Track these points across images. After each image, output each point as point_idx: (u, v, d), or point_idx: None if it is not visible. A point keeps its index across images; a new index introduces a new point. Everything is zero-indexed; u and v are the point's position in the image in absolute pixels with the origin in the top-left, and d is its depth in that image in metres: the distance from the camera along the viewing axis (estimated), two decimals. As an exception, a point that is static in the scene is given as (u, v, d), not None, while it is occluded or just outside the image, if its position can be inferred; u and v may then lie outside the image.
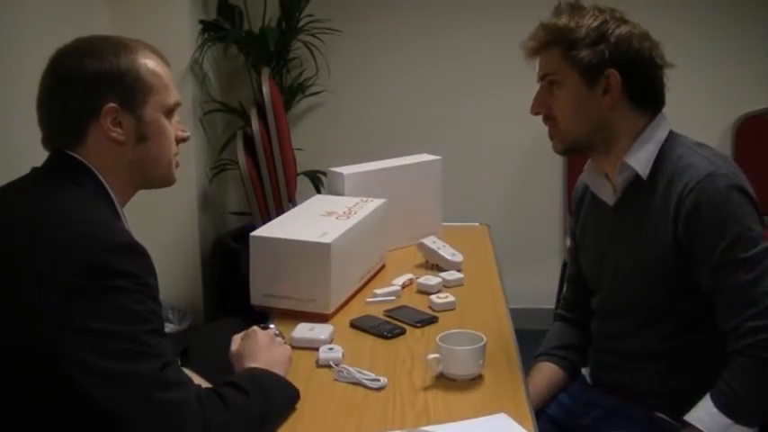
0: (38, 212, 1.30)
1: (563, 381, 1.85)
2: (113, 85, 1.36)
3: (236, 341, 1.58)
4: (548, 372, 1.85)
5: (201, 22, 3.38)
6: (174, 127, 1.45)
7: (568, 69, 1.62)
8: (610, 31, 1.59)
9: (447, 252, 2.18)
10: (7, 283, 1.24)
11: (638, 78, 1.61)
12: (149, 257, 1.29)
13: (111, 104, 1.35)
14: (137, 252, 1.27)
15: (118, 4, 3.06)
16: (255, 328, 1.60)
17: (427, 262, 2.22)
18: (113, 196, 1.38)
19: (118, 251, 1.24)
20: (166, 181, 1.48)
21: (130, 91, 1.37)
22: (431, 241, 2.21)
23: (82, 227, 1.26)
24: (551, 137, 1.69)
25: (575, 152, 1.72)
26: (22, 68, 2.30)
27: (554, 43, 1.63)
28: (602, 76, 1.60)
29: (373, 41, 3.71)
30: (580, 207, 1.85)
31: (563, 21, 1.62)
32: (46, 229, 1.26)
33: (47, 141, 1.40)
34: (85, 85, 1.35)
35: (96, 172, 1.37)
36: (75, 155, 1.36)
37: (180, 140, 1.47)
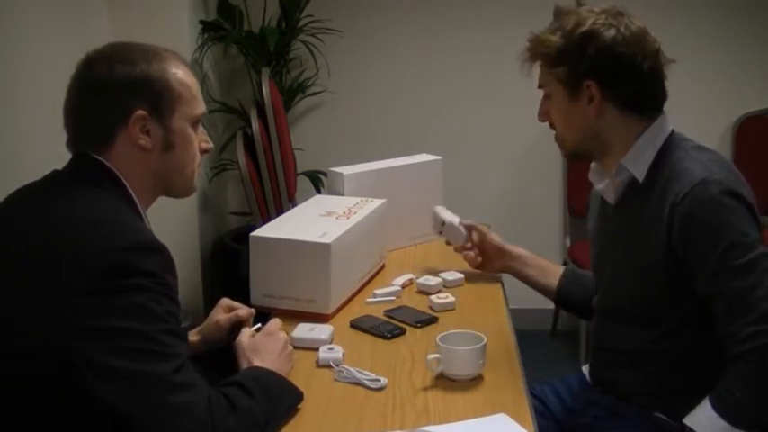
0: (58, 213, 1.30)
1: (550, 279, 2.00)
2: (143, 91, 1.36)
3: (247, 333, 1.58)
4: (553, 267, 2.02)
5: (201, 22, 3.38)
6: (199, 137, 1.47)
7: (553, 82, 1.64)
8: (592, 41, 1.57)
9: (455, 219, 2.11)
10: (25, 284, 1.24)
11: (623, 86, 1.60)
12: (170, 256, 1.30)
13: (141, 112, 1.35)
14: (157, 250, 1.28)
15: (118, 4, 3.05)
16: (274, 328, 1.60)
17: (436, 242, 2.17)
18: (136, 200, 1.39)
19: (137, 250, 1.25)
20: (187, 191, 1.49)
21: (160, 99, 1.37)
22: (441, 209, 2.15)
23: (101, 227, 1.26)
24: (557, 143, 1.72)
25: (578, 158, 1.74)
26: (22, 68, 2.30)
27: (538, 57, 1.65)
28: (583, 88, 1.60)
29: (373, 41, 3.71)
30: (593, 201, 1.86)
31: (545, 34, 1.62)
32: (65, 230, 1.26)
33: (72, 144, 1.40)
34: (116, 91, 1.35)
35: (120, 176, 1.37)
36: (101, 159, 1.37)
37: (203, 152, 1.48)
